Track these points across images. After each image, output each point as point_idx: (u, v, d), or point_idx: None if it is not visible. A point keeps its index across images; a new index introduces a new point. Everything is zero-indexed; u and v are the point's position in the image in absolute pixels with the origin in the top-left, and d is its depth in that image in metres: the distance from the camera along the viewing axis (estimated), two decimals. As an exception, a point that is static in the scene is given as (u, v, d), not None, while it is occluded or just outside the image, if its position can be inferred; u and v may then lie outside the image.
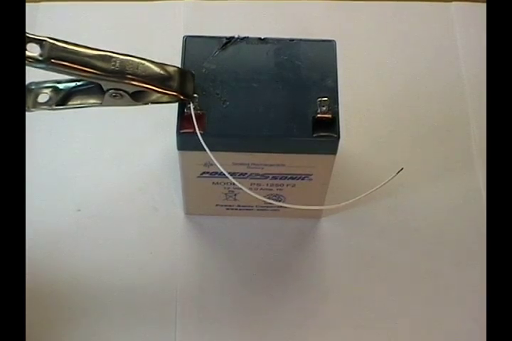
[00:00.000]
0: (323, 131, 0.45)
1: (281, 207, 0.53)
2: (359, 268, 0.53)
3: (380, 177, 0.45)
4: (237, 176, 0.48)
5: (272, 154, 0.46)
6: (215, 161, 0.44)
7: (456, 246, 0.54)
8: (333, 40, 0.48)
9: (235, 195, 0.51)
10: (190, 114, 0.44)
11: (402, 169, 0.42)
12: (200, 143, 0.43)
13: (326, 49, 0.47)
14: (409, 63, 0.62)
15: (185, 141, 0.45)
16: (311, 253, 0.54)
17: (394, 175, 0.42)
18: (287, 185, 0.50)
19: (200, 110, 0.45)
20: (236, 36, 0.47)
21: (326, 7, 0.65)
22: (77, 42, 0.43)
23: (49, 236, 0.53)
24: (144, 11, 0.65)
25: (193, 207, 0.54)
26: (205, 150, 0.43)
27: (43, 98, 0.45)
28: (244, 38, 0.48)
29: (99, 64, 0.42)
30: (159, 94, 0.44)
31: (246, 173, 0.48)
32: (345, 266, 0.53)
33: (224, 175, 0.48)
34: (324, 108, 0.45)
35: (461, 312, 0.51)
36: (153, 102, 0.45)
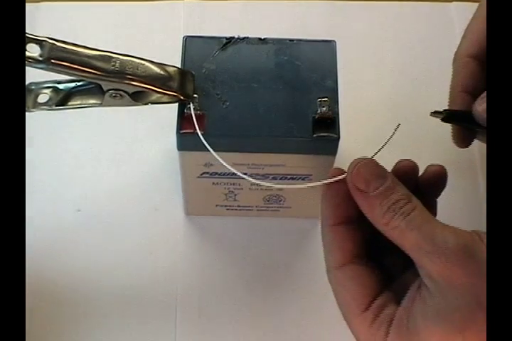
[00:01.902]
0: (323, 132, 0.45)
1: (281, 207, 0.53)
2: (359, 268, 0.53)
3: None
4: (237, 176, 0.48)
5: (272, 154, 0.46)
6: (218, 157, 0.43)
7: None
8: (333, 40, 0.48)
9: (235, 195, 0.51)
10: (190, 114, 0.44)
11: (399, 125, 0.41)
12: (200, 143, 0.43)
13: (326, 49, 0.48)
14: (409, 63, 0.62)
15: (185, 141, 0.45)
16: (311, 253, 0.54)
17: (392, 133, 0.42)
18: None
19: (200, 110, 0.45)
20: (236, 36, 0.47)
21: (326, 7, 0.65)
22: (77, 43, 0.42)
23: (49, 236, 0.53)
24: (144, 11, 0.65)
25: (193, 208, 0.54)
26: (205, 150, 0.43)
27: (42, 98, 0.45)
28: (244, 38, 0.48)
29: (99, 64, 0.42)
30: (159, 95, 0.44)
31: (246, 173, 0.48)
32: (345, 266, 0.53)
33: (224, 175, 0.48)
34: (324, 108, 0.45)
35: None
36: (153, 102, 0.45)
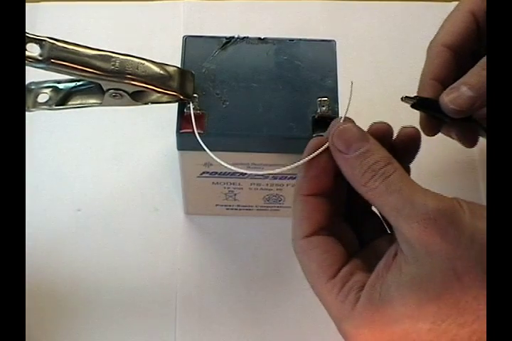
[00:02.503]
0: (323, 131, 0.44)
1: (281, 206, 0.53)
2: (359, 268, 0.53)
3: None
4: (237, 176, 0.48)
5: (272, 154, 0.46)
6: (216, 158, 0.43)
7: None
8: (333, 40, 0.48)
9: (235, 194, 0.51)
10: (190, 113, 0.44)
11: (352, 83, 0.42)
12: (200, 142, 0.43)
13: (326, 49, 0.48)
14: (409, 63, 0.62)
15: (185, 141, 0.45)
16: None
17: (350, 93, 0.42)
18: (287, 185, 0.50)
19: (200, 110, 0.45)
20: (236, 36, 0.47)
21: (326, 7, 0.65)
22: (77, 42, 0.43)
23: (49, 236, 0.53)
24: (144, 11, 0.65)
25: (193, 207, 0.54)
26: (204, 150, 0.43)
27: (42, 98, 0.45)
28: (244, 37, 0.48)
29: (99, 64, 0.42)
30: (159, 94, 0.44)
31: (246, 174, 0.48)
32: (345, 265, 0.53)
33: (224, 175, 0.48)
34: (324, 108, 0.45)
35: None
36: (153, 102, 0.45)
